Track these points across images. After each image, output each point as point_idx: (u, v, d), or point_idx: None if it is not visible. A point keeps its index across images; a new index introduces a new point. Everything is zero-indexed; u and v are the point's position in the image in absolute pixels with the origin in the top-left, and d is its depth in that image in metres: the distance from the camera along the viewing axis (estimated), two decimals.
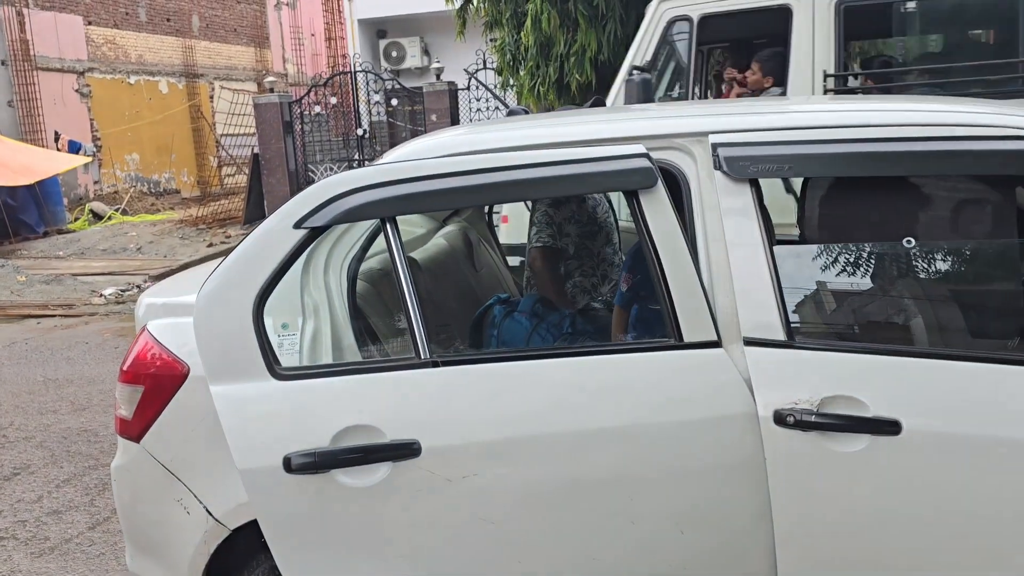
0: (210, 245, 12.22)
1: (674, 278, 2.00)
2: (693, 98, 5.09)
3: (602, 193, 2.32)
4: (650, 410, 1.94)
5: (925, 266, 2.05)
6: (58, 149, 15.56)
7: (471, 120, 12.42)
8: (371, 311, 2.46)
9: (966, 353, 1.86)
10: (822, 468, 1.89)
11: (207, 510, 2.28)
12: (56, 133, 16.04)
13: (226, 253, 2.04)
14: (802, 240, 2.12)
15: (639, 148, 2.07)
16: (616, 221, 3.59)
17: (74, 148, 15.86)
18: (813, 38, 4.67)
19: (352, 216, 1.98)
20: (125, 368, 2.40)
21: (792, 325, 1.96)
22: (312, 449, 1.87)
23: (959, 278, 2.03)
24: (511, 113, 2.87)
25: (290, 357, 2.05)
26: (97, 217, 15.69)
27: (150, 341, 2.38)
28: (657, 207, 2.03)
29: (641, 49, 5.13)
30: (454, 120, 12.47)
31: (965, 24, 5.28)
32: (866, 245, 2.07)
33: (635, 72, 4.76)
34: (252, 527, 2.27)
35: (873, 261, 2.08)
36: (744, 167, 2.02)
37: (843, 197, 2.07)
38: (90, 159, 15.89)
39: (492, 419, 1.92)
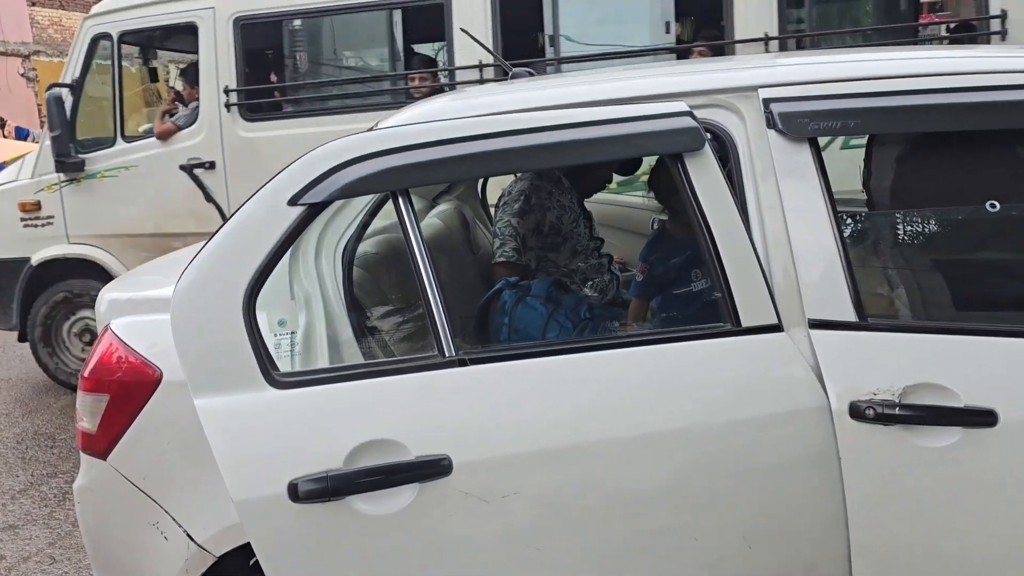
0: None
1: (728, 253, 1.73)
2: (120, 115, 5.26)
3: (645, 156, 2.08)
4: (711, 408, 1.67)
5: (1016, 233, 1.81)
6: (4, 136, 14.86)
7: None
8: (369, 302, 2.16)
9: None
10: (907, 466, 1.65)
11: (188, 535, 1.98)
12: (2, 119, 15.33)
13: None
14: (869, 206, 1.88)
15: (681, 105, 1.79)
16: (592, 228, 3.35)
17: (22, 135, 15.15)
18: (216, 53, 4.92)
19: (358, 189, 1.67)
20: (86, 374, 2.08)
21: (864, 303, 1.71)
22: (323, 472, 1.55)
23: None
24: (514, 76, 2.58)
25: (287, 360, 1.75)
26: None
27: (115, 342, 2.07)
28: (705, 172, 1.76)
29: (71, 65, 5.29)
30: None
31: (348, 42, 5.81)
32: (946, 211, 1.82)
33: (53, 88, 5.07)
34: (242, 552, 1.98)
35: (955, 229, 1.84)
36: (803, 124, 1.75)
37: (917, 156, 1.82)
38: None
39: (533, 426, 1.63)
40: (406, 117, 1.92)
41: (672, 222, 2.63)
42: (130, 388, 2.02)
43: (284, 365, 1.70)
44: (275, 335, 1.76)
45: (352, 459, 1.58)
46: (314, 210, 1.65)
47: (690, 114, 1.78)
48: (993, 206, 1.74)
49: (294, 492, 1.55)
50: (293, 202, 1.61)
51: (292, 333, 1.77)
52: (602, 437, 1.64)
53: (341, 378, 1.65)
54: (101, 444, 2.06)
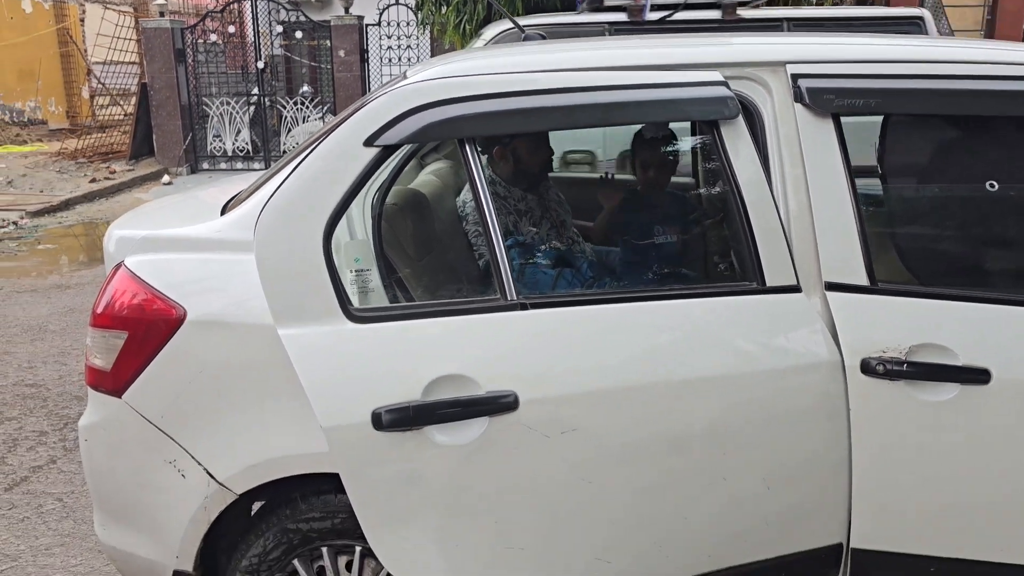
0: (93, 180, 11.23)
1: (757, 216, 1.85)
2: None
3: (683, 121, 2.17)
4: (740, 358, 1.80)
5: (1015, 210, 1.98)
6: None
7: (380, 58, 11.86)
8: (391, 252, 2.19)
9: None
10: (908, 418, 1.81)
11: (209, 473, 1.99)
12: None
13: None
14: (883, 180, 2.02)
15: (717, 75, 1.89)
16: (562, 224, 3.15)
17: None
18: None
19: (432, 134, 1.70)
20: (100, 311, 2.05)
21: (875, 269, 1.85)
22: (405, 403, 1.61)
23: None
24: (527, 39, 2.62)
25: (359, 297, 1.77)
26: None
27: (131, 279, 2.04)
28: (738, 140, 1.87)
29: None
30: (362, 57, 11.86)
31: None
32: (952, 187, 1.98)
33: None
34: (262, 491, 2.01)
35: (958, 204, 2.00)
36: (828, 101, 1.88)
37: (929, 136, 1.97)
38: None
39: (589, 368, 1.72)
40: (448, 69, 1.94)
41: (645, 182, 2.77)
42: (152, 326, 2.00)
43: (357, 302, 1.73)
44: (351, 271, 1.78)
45: (428, 391, 1.65)
46: (387, 152, 1.68)
47: (726, 84, 1.87)
48: (992, 186, 1.91)
49: (378, 421, 1.60)
50: (369, 143, 1.64)
51: (367, 270, 1.80)
52: (650, 380, 1.74)
53: (413, 315, 1.71)
54: (116, 381, 2.04)
